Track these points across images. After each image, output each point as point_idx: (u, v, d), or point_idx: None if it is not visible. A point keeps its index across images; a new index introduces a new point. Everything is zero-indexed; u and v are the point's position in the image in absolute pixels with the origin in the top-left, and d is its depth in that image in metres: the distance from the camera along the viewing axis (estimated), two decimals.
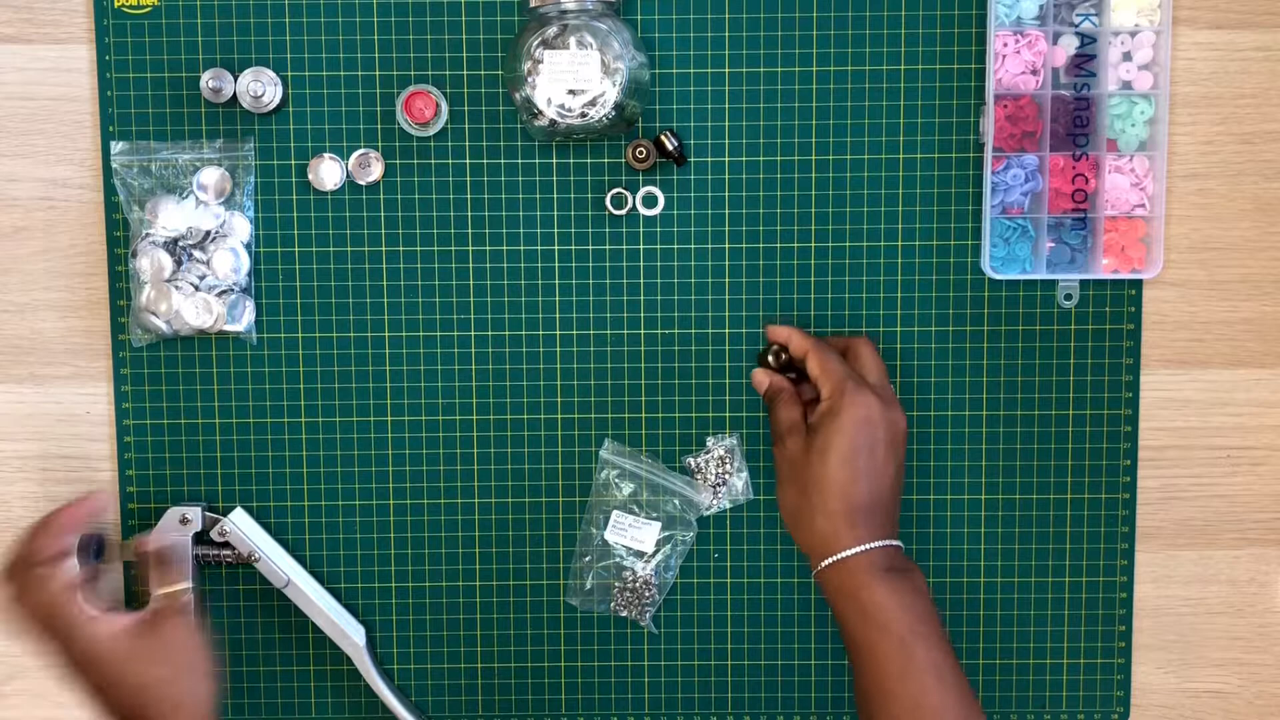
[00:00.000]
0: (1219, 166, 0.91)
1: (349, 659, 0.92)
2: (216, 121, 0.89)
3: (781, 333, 0.87)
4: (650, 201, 0.90)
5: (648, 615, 0.92)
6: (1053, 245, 0.89)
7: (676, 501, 0.91)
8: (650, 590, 0.91)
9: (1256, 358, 0.92)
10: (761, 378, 0.87)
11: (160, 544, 0.86)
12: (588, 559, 0.91)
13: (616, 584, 0.92)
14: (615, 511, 0.91)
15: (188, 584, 0.84)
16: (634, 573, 0.91)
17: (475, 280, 0.90)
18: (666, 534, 0.91)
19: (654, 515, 0.91)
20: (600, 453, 0.91)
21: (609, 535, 0.91)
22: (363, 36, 0.89)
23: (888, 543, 0.81)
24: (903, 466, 0.84)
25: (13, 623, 0.80)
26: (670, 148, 0.88)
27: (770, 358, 0.87)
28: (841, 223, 0.90)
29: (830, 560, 0.81)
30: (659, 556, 0.91)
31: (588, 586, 0.91)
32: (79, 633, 0.79)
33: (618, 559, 0.91)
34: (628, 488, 0.91)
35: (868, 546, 0.80)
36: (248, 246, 0.89)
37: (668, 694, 0.93)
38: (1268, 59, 0.90)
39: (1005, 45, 0.88)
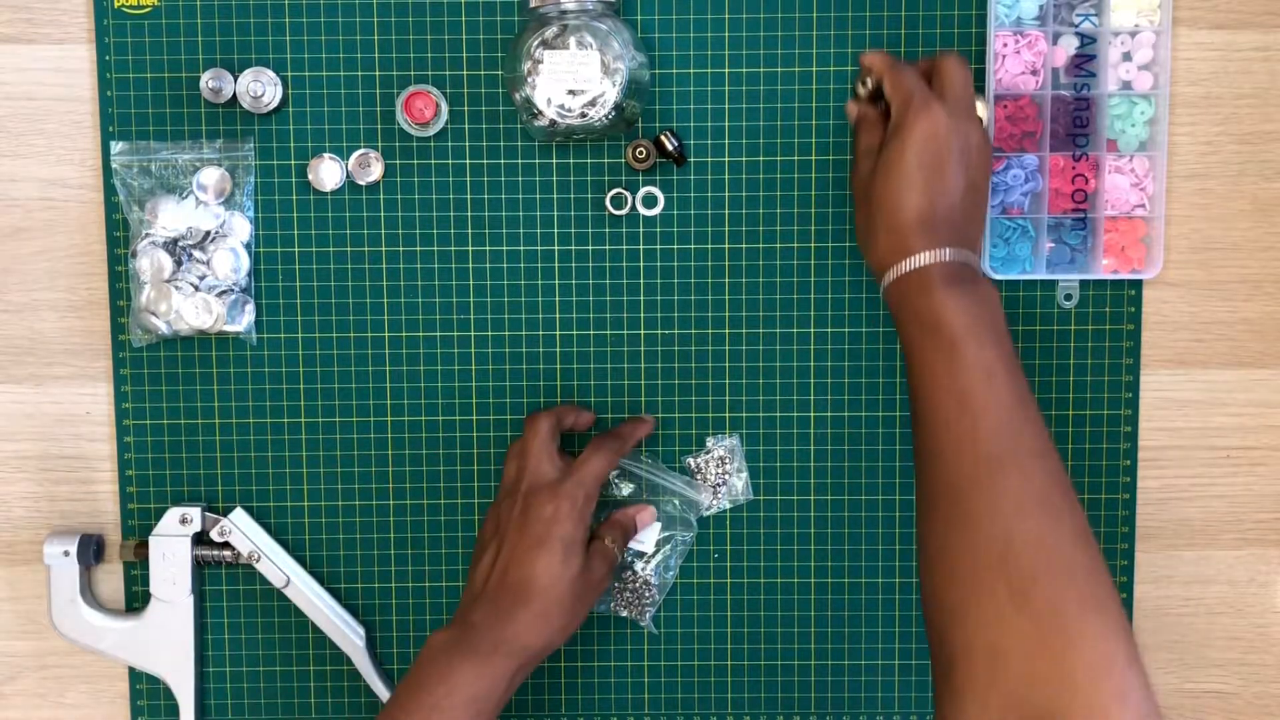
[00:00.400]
0: (1219, 166, 0.91)
1: (349, 659, 0.92)
2: (216, 121, 0.89)
3: (867, 58, 0.84)
4: (650, 201, 0.90)
5: (648, 615, 0.92)
6: (1053, 245, 0.89)
7: (676, 501, 0.91)
8: (650, 590, 0.91)
9: (1256, 358, 0.92)
10: (851, 107, 0.85)
11: (632, 516, 0.89)
12: None
13: (616, 584, 0.92)
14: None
15: (618, 553, 0.86)
16: (634, 573, 0.91)
17: (475, 280, 0.91)
18: (666, 534, 0.91)
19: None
20: None
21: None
22: (363, 36, 0.89)
23: (947, 253, 0.77)
24: (979, 182, 0.80)
25: (529, 442, 0.85)
26: (670, 148, 0.88)
27: (860, 86, 0.85)
28: (842, 223, 0.90)
29: (891, 275, 0.77)
30: (659, 556, 0.91)
31: None
32: (568, 508, 0.82)
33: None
34: (627, 488, 0.91)
35: (927, 255, 0.76)
36: (248, 247, 0.89)
37: (668, 694, 0.93)
38: (1268, 59, 0.90)
39: (1005, 45, 0.88)
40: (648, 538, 0.91)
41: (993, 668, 0.67)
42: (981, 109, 0.81)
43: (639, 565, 0.91)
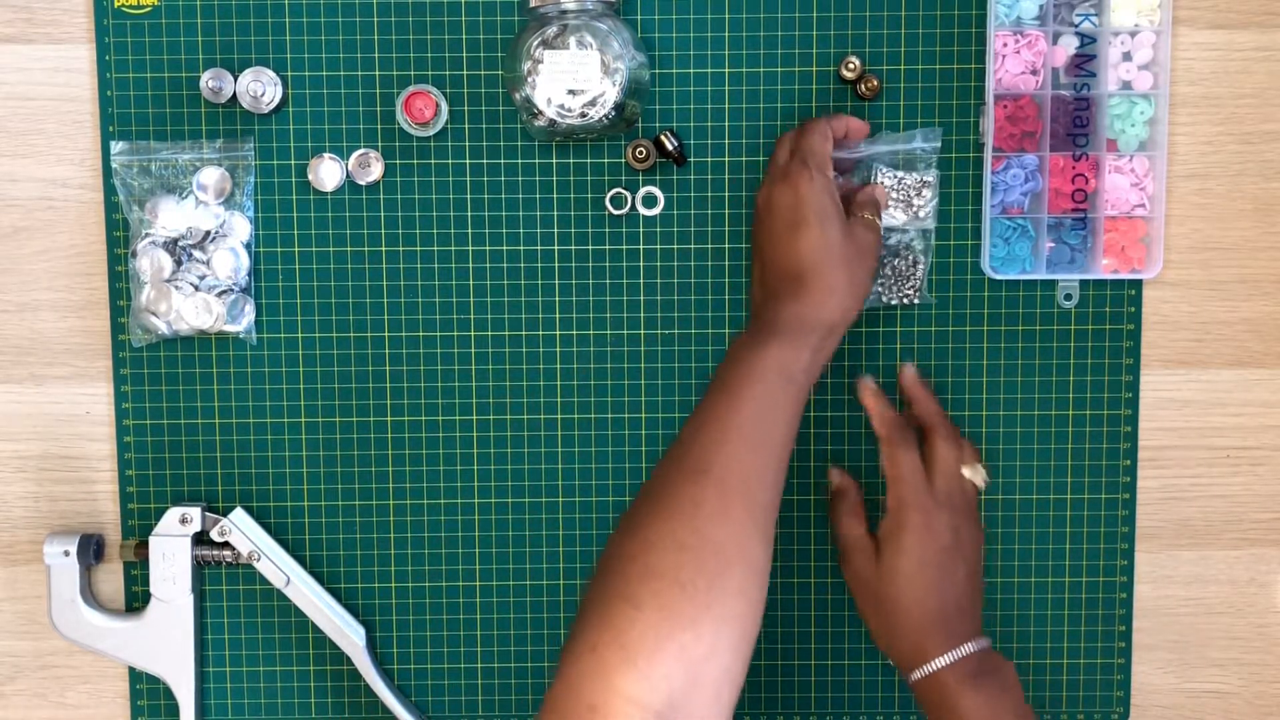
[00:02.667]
0: (1219, 166, 0.91)
1: (349, 659, 0.92)
2: (216, 121, 0.89)
3: (869, 400, 0.88)
4: (650, 201, 0.90)
5: (915, 296, 0.89)
6: (1053, 245, 0.89)
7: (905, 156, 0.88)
8: (917, 268, 0.89)
9: (1256, 358, 0.92)
10: (835, 476, 0.90)
11: (871, 191, 0.87)
12: None
13: (885, 270, 0.89)
14: (877, 167, 0.87)
15: (879, 222, 0.86)
16: (896, 252, 0.88)
17: (475, 280, 0.91)
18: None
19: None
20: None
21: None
22: (363, 36, 0.89)
23: (968, 648, 0.82)
24: (975, 567, 0.85)
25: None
26: (670, 148, 0.88)
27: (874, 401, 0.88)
28: None
29: (918, 674, 0.82)
30: (921, 221, 0.88)
31: None
32: (806, 183, 0.83)
33: (883, 246, 0.88)
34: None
35: (949, 657, 0.81)
36: (248, 246, 0.89)
37: None
38: (1268, 59, 0.90)
39: (1005, 45, 0.88)
40: (925, 192, 0.88)
41: None
42: (972, 474, 0.87)
43: (898, 236, 0.88)
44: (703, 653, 0.68)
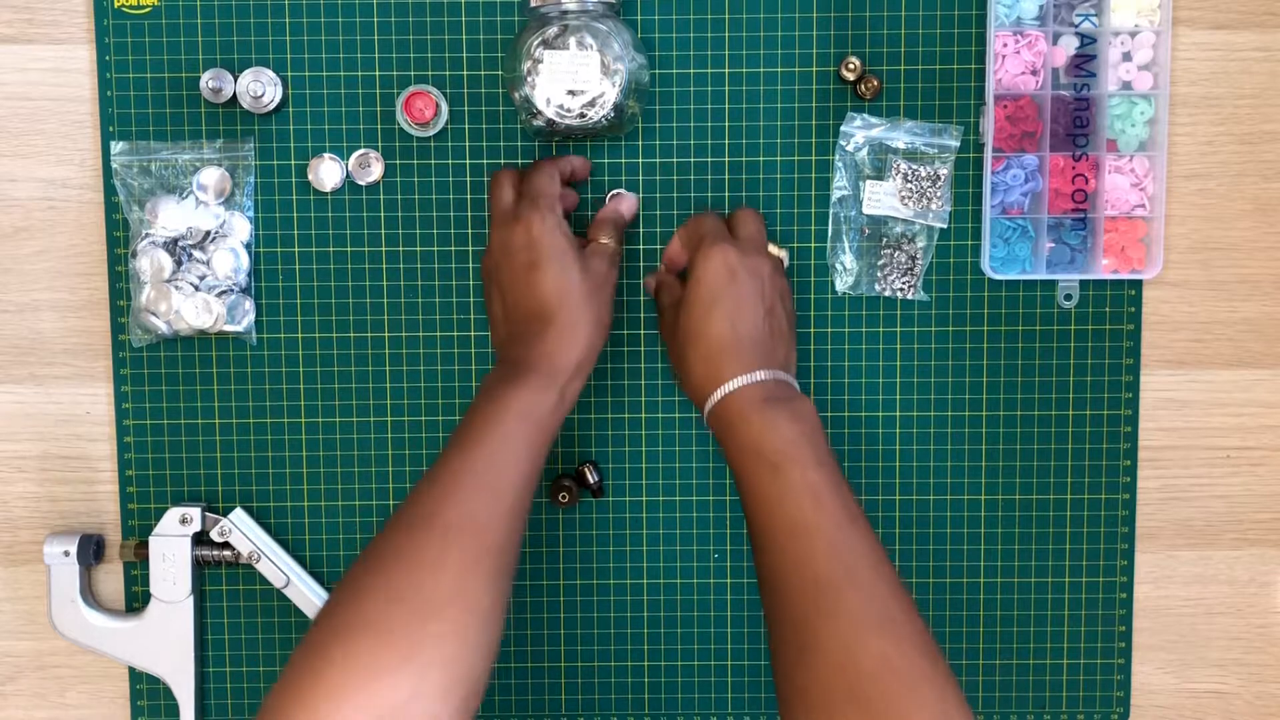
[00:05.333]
0: (1219, 166, 0.91)
1: None
2: (216, 121, 0.90)
3: (668, 252, 0.89)
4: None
5: (910, 291, 0.90)
6: (1053, 245, 0.89)
7: (919, 145, 0.88)
8: (915, 263, 0.89)
9: (1256, 358, 0.92)
10: (649, 280, 0.90)
11: (614, 208, 0.89)
12: (846, 242, 0.89)
13: (881, 261, 0.89)
14: (869, 182, 0.88)
15: (616, 243, 0.87)
16: (898, 243, 0.89)
17: (475, 280, 0.90)
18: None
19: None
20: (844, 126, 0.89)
21: (868, 209, 0.88)
22: (363, 36, 0.89)
23: (759, 375, 0.81)
24: (777, 308, 0.85)
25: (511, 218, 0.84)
26: (591, 481, 0.90)
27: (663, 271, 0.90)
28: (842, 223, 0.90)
29: (710, 402, 0.81)
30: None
31: (851, 267, 0.89)
32: (537, 223, 0.83)
33: (886, 235, 0.89)
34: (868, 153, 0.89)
35: (739, 381, 0.81)
36: (248, 246, 0.89)
37: (668, 694, 0.93)
38: (1268, 59, 0.90)
39: (1005, 45, 0.88)
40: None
41: None
42: (776, 250, 0.87)
43: (903, 230, 0.88)
44: (402, 698, 0.69)
